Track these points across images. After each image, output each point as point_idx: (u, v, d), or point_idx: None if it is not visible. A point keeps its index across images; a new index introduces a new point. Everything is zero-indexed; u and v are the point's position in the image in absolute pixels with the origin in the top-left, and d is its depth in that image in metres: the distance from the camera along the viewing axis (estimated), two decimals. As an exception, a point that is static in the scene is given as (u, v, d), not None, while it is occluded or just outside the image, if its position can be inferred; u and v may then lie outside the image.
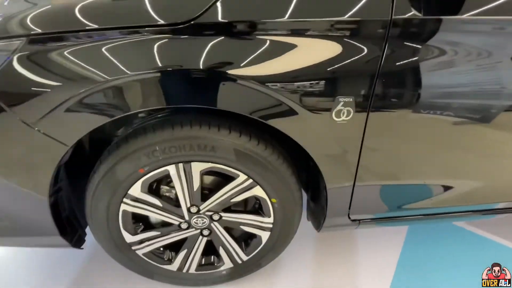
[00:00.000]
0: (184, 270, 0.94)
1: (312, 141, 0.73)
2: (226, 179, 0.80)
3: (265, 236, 0.91)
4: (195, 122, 0.71)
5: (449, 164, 0.85)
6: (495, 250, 1.24)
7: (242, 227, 0.90)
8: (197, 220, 0.86)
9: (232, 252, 0.93)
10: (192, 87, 0.65)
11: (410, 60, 0.66)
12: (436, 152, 0.81)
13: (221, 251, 0.93)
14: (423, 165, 0.83)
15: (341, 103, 0.66)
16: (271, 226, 0.88)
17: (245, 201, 0.89)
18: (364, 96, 0.66)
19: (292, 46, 0.62)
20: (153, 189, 0.83)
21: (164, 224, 0.88)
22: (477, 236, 1.31)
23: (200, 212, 0.84)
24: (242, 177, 0.78)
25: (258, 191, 0.81)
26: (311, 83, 0.64)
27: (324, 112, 0.67)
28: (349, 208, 0.88)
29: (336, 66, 0.63)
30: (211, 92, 0.64)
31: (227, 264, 0.95)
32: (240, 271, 0.99)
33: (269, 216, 0.86)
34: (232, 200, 0.83)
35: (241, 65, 0.61)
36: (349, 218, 0.91)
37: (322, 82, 0.64)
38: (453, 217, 1.09)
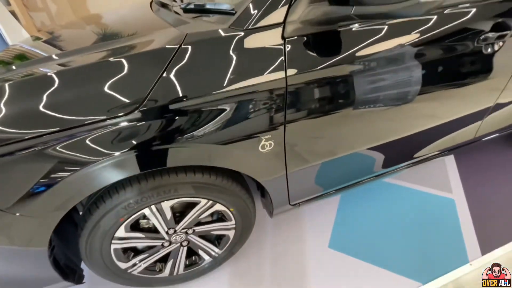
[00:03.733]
0: (175, 274, 1.19)
1: (249, 169, 0.96)
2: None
3: (231, 233, 1.17)
4: (157, 173, 0.89)
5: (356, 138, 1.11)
6: (412, 196, 1.60)
7: (213, 232, 1.14)
8: (175, 238, 1.08)
9: (209, 250, 1.18)
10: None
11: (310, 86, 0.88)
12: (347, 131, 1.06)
13: (201, 252, 1.18)
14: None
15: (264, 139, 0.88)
16: (234, 226, 1.14)
17: (212, 214, 1.12)
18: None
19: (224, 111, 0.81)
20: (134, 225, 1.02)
21: (150, 247, 1.09)
22: (395, 186, 1.67)
23: (177, 231, 1.06)
24: (203, 201, 1.00)
25: (218, 207, 1.04)
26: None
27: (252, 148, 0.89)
28: (288, 198, 1.16)
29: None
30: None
31: (207, 259, 1.22)
32: (218, 262, 1.26)
33: (231, 220, 1.11)
34: (200, 217, 1.06)
35: (191, 132, 0.80)
36: (290, 204, 1.19)
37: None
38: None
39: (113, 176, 0.79)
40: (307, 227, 1.49)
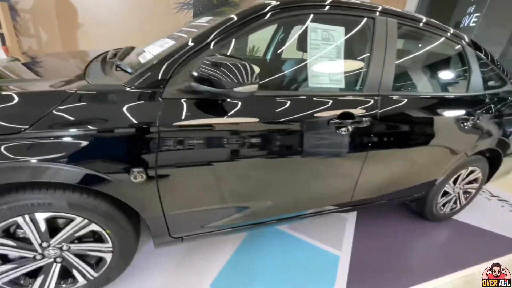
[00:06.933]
0: (43, 293, 1.20)
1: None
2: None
3: (108, 257, 1.23)
4: (31, 186, 1.00)
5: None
6: (305, 249, 1.70)
7: (89, 252, 1.21)
8: (49, 252, 1.14)
9: (84, 271, 1.23)
10: None
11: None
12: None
13: (75, 272, 1.22)
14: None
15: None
16: (111, 249, 1.21)
17: (93, 232, 1.19)
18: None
19: None
20: (9, 232, 1.10)
21: (21, 257, 1.14)
22: (293, 237, 1.79)
23: (51, 245, 1.13)
24: (78, 219, 1.10)
25: (94, 227, 1.13)
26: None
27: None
28: (168, 230, 1.26)
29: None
30: None
31: (81, 282, 1.25)
32: (93, 286, 1.29)
33: (108, 242, 1.19)
34: (76, 235, 1.14)
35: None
36: (171, 236, 1.30)
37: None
38: (269, 225, 1.51)
39: None
40: (197, 263, 1.55)
